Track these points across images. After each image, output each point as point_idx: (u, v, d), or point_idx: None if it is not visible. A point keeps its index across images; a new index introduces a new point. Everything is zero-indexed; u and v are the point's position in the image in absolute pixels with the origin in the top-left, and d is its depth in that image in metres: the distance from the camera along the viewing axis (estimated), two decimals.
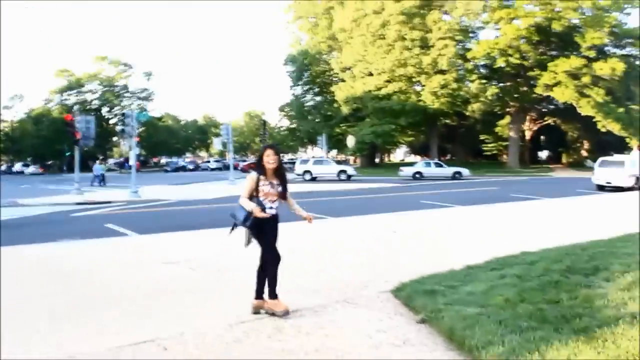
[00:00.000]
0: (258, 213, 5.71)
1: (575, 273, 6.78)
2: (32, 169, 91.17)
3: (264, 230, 5.87)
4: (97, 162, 42.74)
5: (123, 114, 27.51)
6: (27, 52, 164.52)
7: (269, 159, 5.85)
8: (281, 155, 6.02)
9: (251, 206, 5.75)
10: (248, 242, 5.97)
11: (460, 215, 16.86)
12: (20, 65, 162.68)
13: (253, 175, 5.93)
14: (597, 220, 14.80)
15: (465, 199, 23.35)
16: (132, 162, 28.01)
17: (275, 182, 5.93)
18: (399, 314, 5.80)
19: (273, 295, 5.94)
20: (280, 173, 6.01)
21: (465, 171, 45.50)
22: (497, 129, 73.78)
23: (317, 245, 10.52)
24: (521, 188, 30.96)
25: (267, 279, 5.93)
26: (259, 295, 5.99)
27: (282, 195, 5.98)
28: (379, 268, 8.38)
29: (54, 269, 9.00)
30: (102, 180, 41.44)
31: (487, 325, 4.79)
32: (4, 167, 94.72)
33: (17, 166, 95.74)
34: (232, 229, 5.98)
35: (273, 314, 5.87)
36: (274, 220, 5.96)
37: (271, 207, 5.89)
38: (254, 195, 5.87)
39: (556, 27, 54.46)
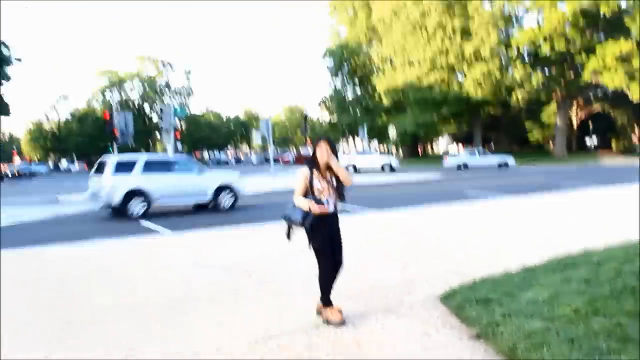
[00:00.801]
0: (316, 208, 5.21)
1: None
2: (77, 166, 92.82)
3: (324, 231, 5.34)
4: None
5: (161, 110, 27.16)
6: (70, 53, 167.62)
7: (322, 153, 5.32)
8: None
9: (307, 203, 5.24)
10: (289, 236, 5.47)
11: (510, 207, 15.94)
12: (65, 66, 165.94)
13: (305, 171, 5.42)
14: None
15: (513, 189, 22.35)
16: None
17: (329, 177, 5.41)
18: (449, 326, 5.09)
19: (327, 302, 5.44)
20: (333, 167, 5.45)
21: (511, 160, 44.19)
22: (542, 117, 71.81)
23: (355, 242, 9.81)
24: (571, 176, 29.69)
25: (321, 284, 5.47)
26: (328, 302, 5.47)
27: (339, 191, 5.45)
28: (423, 268, 7.67)
29: (73, 271, 8.52)
30: None
31: (556, 346, 4.05)
32: (50, 165, 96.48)
33: (64, 164, 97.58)
34: (289, 233, 5.39)
35: (328, 323, 5.35)
36: (333, 219, 5.47)
37: (329, 203, 5.38)
38: (308, 194, 5.35)
39: (604, 10, 52.41)
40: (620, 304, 4.95)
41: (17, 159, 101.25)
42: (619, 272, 6.11)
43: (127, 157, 18.73)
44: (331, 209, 5.36)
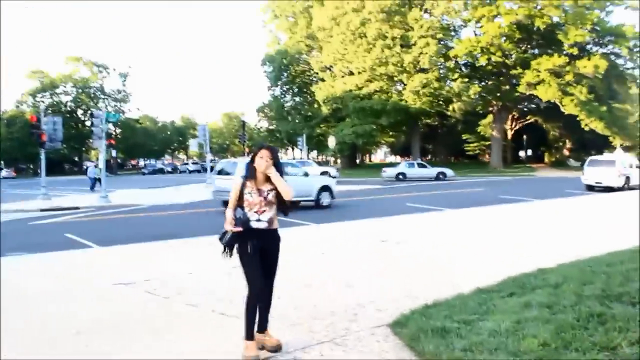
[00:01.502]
0: (227, 225, 4.77)
1: (617, 300, 5.46)
2: (4, 172, 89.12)
3: (251, 251, 4.77)
4: (92, 165, 39.89)
5: (91, 114, 25.95)
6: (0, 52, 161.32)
7: (261, 162, 4.76)
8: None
9: (226, 218, 4.84)
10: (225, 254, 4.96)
11: (453, 220, 15.66)
12: None
13: (237, 180, 4.97)
14: (600, 224, 13.66)
15: (454, 202, 22.21)
16: (102, 164, 26.49)
17: (266, 188, 4.81)
18: None
19: (247, 334, 4.75)
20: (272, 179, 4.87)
21: (449, 172, 44.41)
22: (479, 129, 73.12)
23: (296, 260, 9.19)
24: (508, 189, 29.95)
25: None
26: (249, 335, 4.76)
27: (280, 206, 4.89)
28: (368, 290, 7.07)
29: None
30: (94, 184, 36.41)
31: None
32: None
33: None
34: (224, 249, 4.84)
35: (262, 348, 4.83)
36: (265, 238, 4.86)
37: (258, 220, 4.79)
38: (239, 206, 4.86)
39: (538, 24, 53.77)
40: (591, 335, 4.48)
41: None
42: (579, 296, 5.63)
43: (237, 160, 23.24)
44: (261, 225, 4.78)
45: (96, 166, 36.47)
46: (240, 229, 4.67)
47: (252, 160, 4.81)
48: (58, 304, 6.94)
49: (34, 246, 12.46)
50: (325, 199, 21.41)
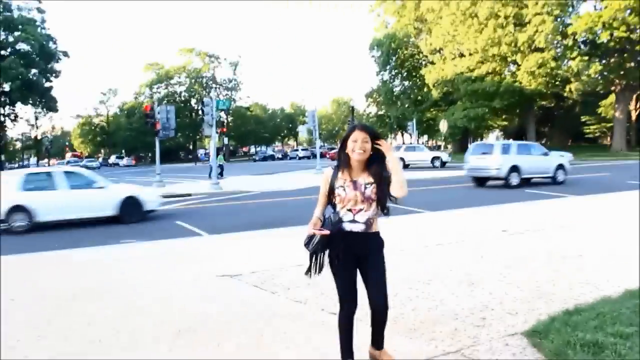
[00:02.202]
0: (312, 228, 3.84)
1: None
2: (125, 161, 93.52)
3: (342, 260, 3.89)
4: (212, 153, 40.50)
5: (202, 102, 26.29)
6: (118, 47, 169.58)
7: (356, 146, 3.82)
8: (380, 141, 3.92)
9: (312, 220, 3.92)
10: (310, 270, 4.00)
11: (580, 208, 14.42)
12: (114, 61, 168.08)
13: (327, 171, 4.03)
14: None
15: (578, 188, 20.71)
16: (212, 151, 26.79)
17: (363, 180, 3.87)
18: None
19: (377, 344, 4.14)
20: (376, 168, 3.89)
21: (569, 156, 41.98)
22: (599, 110, 68.83)
23: (410, 253, 8.52)
24: (637, 174, 27.72)
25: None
26: (346, 356, 4.03)
27: (379, 202, 3.90)
28: (493, 288, 6.32)
29: (90, 278, 7.47)
30: (220, 172, 36.29)
31: None
32: (100, 160, 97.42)
33: (112, 158, 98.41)
34: (310, 261, 3.97)
35: None
36: (361, 244, 3.90)
37: (353, 221, 3.86)
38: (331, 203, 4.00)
39: None
40: None
41: (68, 155, 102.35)
42: None
43: (505, 141, 28.39)
44: (356, 227, 3.85)
45: (219, 153, 36.86)
46: (328, 232, 3.76)
47: (344, 146, 3.90)
48: (156, 296, 6.66)
49: (145, 234, 12.55)
50: (560, 176, 24.05)
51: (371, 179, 3.86)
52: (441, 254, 8.54)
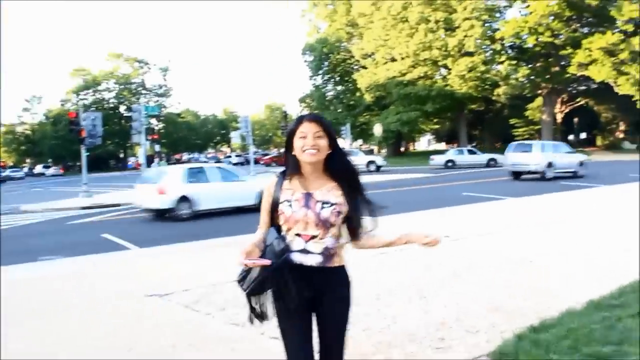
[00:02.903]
0: (245, 258, 2.67)
1: None
2: (52, 170, 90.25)
3: (284, 302, 2.77)
4: (156, 159, 39.24)
5: (129, 108, 25.26)
6: (43, 52, 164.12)
7: (306, 143, 2.76)
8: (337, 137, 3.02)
9: (245, 247, 2.73)
10: (252, 317, 2.92)
11: (520, 210, 14.29)
12: (38, 66, 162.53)
13: (270, 180, 2.93)
14: None
15: (512, 190, 20.77)
16: (142, 159, 25.79)
17: (320, 195, 2.80)
18: None
19: None
20: (340, 173, 2.87)
21: (500, 157, 42.70)
22: (527, 113, 70.60)
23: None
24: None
25: None
26: None
27: (349, 226, 2.88)
28: (447, 300, 5.88)
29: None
30: None
31: None
32: (25, 170, 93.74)
33: (38, 168, 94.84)
34: (249, 305, 2.88)
35: None
36: (312, 281, 2.78)
37: (304, 251, 2.78)
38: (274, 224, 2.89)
39: (589, 0, 51.12)
40: None
41: None
42: None
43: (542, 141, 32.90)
44: (309, 260, 2.77)
45: (160, 160, 36.16)
46: (268, 262, 2.64)
47: (289, 145, 2.83)
48: (75, 319, 5.93)
49: (68, 249, 11.66)
50: (581, 170, 27.64)
51: (331, 193, 2.80)
52: (387, 263, 8.06)
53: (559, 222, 11.44)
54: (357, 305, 5.26)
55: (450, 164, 41.75)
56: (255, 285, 2.73)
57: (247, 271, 2.75)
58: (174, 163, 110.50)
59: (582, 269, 7.05)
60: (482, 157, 43.10)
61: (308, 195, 2.78)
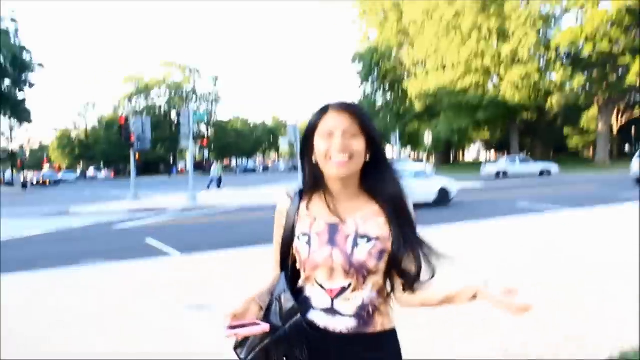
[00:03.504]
0: (228, 325, 1.81)
1: None
2: (104, 173, 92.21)
3: None
4: (214, 163, 39.81)
5: (178, 114, 25.22)
6: (98, 60, 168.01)
7: (333, 146, 1.81)
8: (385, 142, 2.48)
9: (235, 306, 1.89)
10: None
11: (583, 222, 13.54)
12: (92, 73, 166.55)
13: (282, 201, 2.03)
14: None
15: (571, 199, 19.91)
16: (190, 165, 25.75)
17: (353, 225, 1.86)
18: None
19: None
20: (380, 190, 1.90)
21: (554, 167, 41.52)
22: (582, 122, 68.82)
23: None
24: (627, 186, 27.13)
25: None
26: None
27: (400, 271, 1.87)
28: (503, 336, 5.36)
29: (42, 306, 6.40)
30: (218, 182, 37.50)
31: None
32: (78, 173, 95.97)
33: (91, 171, 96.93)
34: None
35: None
36: (343, 351, 1.86)
37: (332, 310, 1.86)
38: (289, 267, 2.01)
39: None
40: None
41: (46, 167, 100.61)
42: None
43: None
44: (338, 324, 1.85)
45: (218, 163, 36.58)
46: (266, 327, 1.82)
47: (307, 147, 1.91)
48: (108, 334, 5.61)
49: (111, 253, 11.50)
50: None
51: (371, 222, 1.87)
52: None
53: None
54: None
55: (502, 174, 40.69)
56: (257, 355, 1.89)
57: (238, 344, 1.95)
58: (223, 168, 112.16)
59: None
60: (536, 167, 41.94)
61: (335, 227, 1.86)
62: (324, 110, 1.88)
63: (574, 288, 6.64)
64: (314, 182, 1.93)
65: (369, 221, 1.87)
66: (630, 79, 53.02)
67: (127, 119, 26.59)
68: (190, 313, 6.29)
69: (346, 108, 1.84)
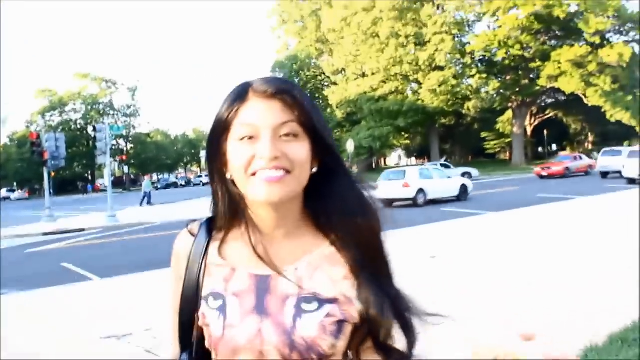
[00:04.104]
0: None
1: None
2: (18, 194, 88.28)
3: None
4: (146, 178, 38.10)
5: (94, 128, 24.27)
6: (7, 72, 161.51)
7: (257, 154, 1.09)
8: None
9: None
10: None
11: (502, 226, 13.69)
12: (2, 87, 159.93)
13: (181, 243, 1.25)
14: None
15: (493, 204, 20.26)
16: (108, 181, 24.84)
17: (291, 267, 1.15)
18: None
19: None
20: (336, 216, 1.16)
21: (474, 171, 42.53)
22: (498, 126, 71.00)
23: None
24: (542, 187, 28.01)
25: None
26: None
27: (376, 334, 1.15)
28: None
29: None
30: (149, 199, 35.55)
31: None
32: None
33: (3, 192, 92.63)
34: None
35: None
36: None
37: None
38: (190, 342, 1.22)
39: (557, 13, 51.39)
40: None
41: None
42: None
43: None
44: None
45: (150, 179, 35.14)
46: None
47: (215, 157, 1.18)
48: None
49: (21, 281, 10.72)
50: None
51: (322, 272, 1.15)
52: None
53: None
54: None
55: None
56: None
57: None
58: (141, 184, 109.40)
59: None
60: (456, 171, 42.64)
61: (265, 282, 1.15)
62: (240, 96, 1.16)
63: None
64: (230, 210, 1.20)
65: (320, 272, 1.15)
66: (542, 82, 55.15)
67: (38, 135, 25.40)
68: (107, 342, 5.81)
69: (277, 91, 1.12)
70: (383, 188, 23.32)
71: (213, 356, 1.16)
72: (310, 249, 1.17)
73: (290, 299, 1.11)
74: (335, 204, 1.17)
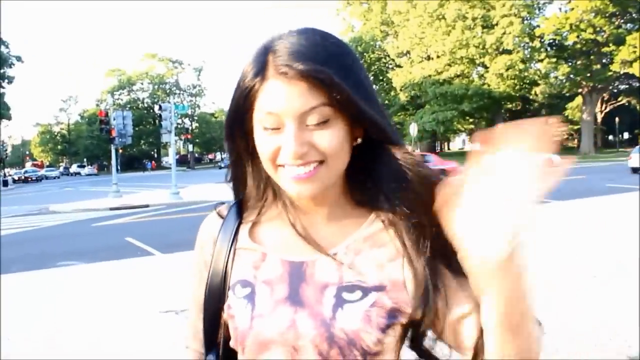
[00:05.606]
0: None
1: None
2: (87, 169, 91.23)
3: None
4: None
5: (160, 107, 24.75)
6: (80, 54, 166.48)
7: (283, 149, 0.94)
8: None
9: None
10: None
11: (568, 215, 13.30)
12: (75, 67, 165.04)
13: (208, 227, 1.16)
14: None
15: (558, 192, 19.70)
16: (172, 159, 25.32)
17: (333, 250, 1.01)
18: None
19: None
20: (382, 194, 1.01)
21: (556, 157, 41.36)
22: (566, 112, 68.96)
23: None
24: (612, 176, 27.03)
25: None
26: None
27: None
28: None
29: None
30: None
31: None
32: (61, 169, 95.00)
33: (74, 167, 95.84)
34: None
35: None
36: None
37: None
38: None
39: None
40: None
41: (28, 164, 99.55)
42: None
43: None
44: None
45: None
46: None
47: (235, 139, 1.07)
48: (79, 340, 5.23)
49: (90, 253, 11.06)
50: None
51: (367, 255, 1.01)
52: None
53: None
54: None
55: None
56: None
57: None
58: (207, 163, 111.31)
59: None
60: None
61: (299, 269, 1.02)
62: (259, 70, 1.00)
63: None
64: (263, 189, 1.10)
65: (363, 256, 1.01)
66: (615, 67, 53.10)
67: (107, 113, 26.06)
68: (166, 317, 5.92)
69: (300, 73, 0.92)
70: None
71: (239, 356, 1.02)
72: (350, 230, 1.03)
73: (330, 288, 0.97)
74: (381, 176, 1.01)
